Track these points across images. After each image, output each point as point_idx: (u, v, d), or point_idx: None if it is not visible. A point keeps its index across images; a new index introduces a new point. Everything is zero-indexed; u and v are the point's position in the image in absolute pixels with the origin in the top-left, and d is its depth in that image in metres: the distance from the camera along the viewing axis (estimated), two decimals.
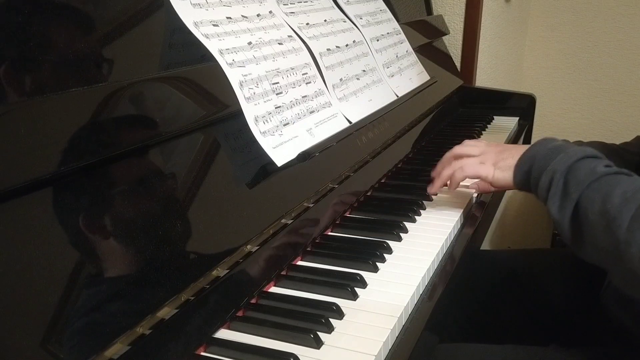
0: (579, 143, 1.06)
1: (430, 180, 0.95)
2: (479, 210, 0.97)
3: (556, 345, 0.85)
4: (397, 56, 1.22)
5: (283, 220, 0.75)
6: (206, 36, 0.72)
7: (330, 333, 0.61)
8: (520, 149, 0.82)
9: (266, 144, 0.74)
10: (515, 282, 1.02)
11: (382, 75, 1.13)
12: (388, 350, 0.61)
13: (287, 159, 0.76)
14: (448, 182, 0.91)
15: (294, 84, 0.84)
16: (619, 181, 0.68)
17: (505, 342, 0.88)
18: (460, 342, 1.01)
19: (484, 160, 0.86)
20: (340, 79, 0.98)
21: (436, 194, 0.95)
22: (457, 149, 0.92)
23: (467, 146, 0.92)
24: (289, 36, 0.88)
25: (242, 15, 0.81)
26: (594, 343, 0.87)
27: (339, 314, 0.64)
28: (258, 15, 0.84)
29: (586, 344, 0.86)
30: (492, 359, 0.84)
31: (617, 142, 1.10)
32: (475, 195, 0.99)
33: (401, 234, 0.83)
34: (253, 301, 0.67)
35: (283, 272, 0.73)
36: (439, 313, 0.71)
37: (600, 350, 0.83)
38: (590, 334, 0.92)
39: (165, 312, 0.56)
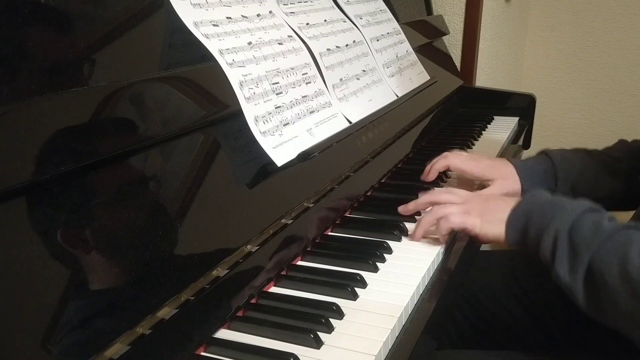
0: (563, 152, 1.01)
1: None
2: None
3: (557, 350, 0.84)
4: (397, 56, 1.22)
5: (283, 220, 0.75)
6: (206, 36, 0.72)
7: (330, 333, 0.61)
8: (507, 201, 0.78)
9: (266, 144, 0.74)
10: (515, 282, 1.02)
11: (382, 75, 1.13)
12: (388, 350, 0.61)
13: (287, 159, 0.76)
14: (422, 222, 0.82)
15: (294, 84, 0.84)
16: (631, 238, 0.63)
17: (506, 345, 0.87)
18: (460, 345, 1.00)
19: (467, 210, 0.79)
20: (340, 79, 0.98)
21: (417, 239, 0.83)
22: (436, 196, 0.84)
23: (445, 194, 0.84)
24: (289, 36, 0.88)
25: (242, 15, 0.81)
26: (595, 347, 0.87)
27: (339, 314, 0.64)
28: (258, 15, 0.84)
29: (587, 348, 0.86)
30: None
31: (591, 148, 1.07)
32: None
33: (401, 234, 0.83)
34: (253, 301, 0.67)
35: (283, 272, 0.73)
36: (439, 313, 0.71)
37: (603, 355, 0.83)
38: (591, 338, 0.91)
39: (165, 312, 0.56)
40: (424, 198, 0.86)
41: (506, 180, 0.97)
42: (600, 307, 0.65)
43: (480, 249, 1.01)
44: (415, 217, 0.88)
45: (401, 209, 0.87)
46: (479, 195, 0.85)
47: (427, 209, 0.85)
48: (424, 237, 0.82)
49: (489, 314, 1.01)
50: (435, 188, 0.92)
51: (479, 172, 0.99)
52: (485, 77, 1.78)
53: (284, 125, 0.79)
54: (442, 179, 1.05)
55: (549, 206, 0.72)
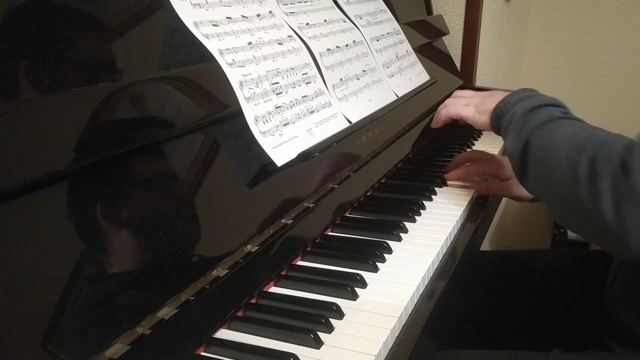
0: None
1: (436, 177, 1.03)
2: (479, 210, 0.97)
3: (558, 350, 0.84)
4: (397, 56, 1.22)
5: (283, 220, 0.75)
6: (206, 36, 0.72)
7: (330, 333, 0.61)
8: (501, 95, 0.91)
9: (266, 144, 0.74)
10: (515, 282, 1.02)
11: (382, 75, 1.13)
12: (388, 350, 0.61)
13: (287, 159, 0.76)
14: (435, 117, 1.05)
15: (294, 84, 0.84)
16: (566, 124, 0.76)
17: (506, 345, 0.88)
18: (461, 345, 1.01)
19: (468, 103, 0.96)
20: (340, 79, 0.98)
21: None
22: (450, 100, 1.02)
23: (457, 96, 1.02)
24: (289, 36, 0.88)
25: (242, 15, 0.81)
26: (596, 347, 0.87)
27: (339, 314, 0.64)
28: (258, 15, 0.84)
29: (589, 348, 0.86)
30: None
31: None
32: (475, 195, 0.99)
33: (401, 234, 0.83)
34: (253, 301, 0.67)
35: (283, 272, 0.73)
36: (439, 313, 0.71)
37: (604, 355, 0.83)
38: (592, 337, 0.91)
39: (165, 312, 0.56)
40: (441, 111, 1.03)
41: None
42: (525, 169, 0.78)
43: (480, 249, 1.01)
44: (414, 216, 0.88)
45: (432, 124, 1.08)
46: (484, 93, 0.99)
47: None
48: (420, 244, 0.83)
49: (490, 312, 1.01)
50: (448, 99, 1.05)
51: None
52: (485, 77, 1.78)
53: (284, 125, 0.79)
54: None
55: (522, 97, 0.86)
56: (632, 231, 0.62)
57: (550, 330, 0.98)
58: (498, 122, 0.88)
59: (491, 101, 0.92)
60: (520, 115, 0.82)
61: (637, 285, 0.81)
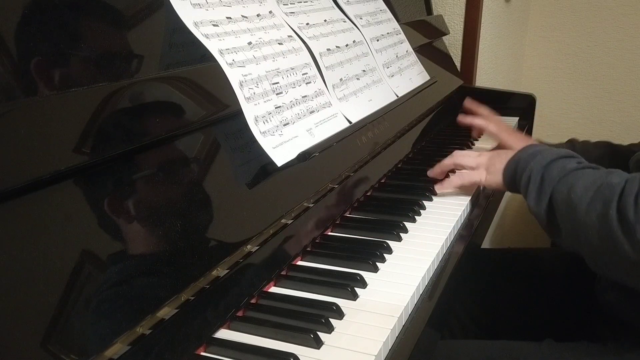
0: (586, 142, 1.09)
1: (430, 181, 1.01)
2: (479, 210, 0.97)
3: (552, 339, 0.86)
4: (397, 56, 1.22)
5: (283, 220, 0.75)
6: (206, 36, 0.72)
7: (330, 333, 0.61)
8: (508, 154, 0.91)
9: (266, 144, 0.74)
10: (515, 281, 1.02)
11: (382, 75, 1.13)
12: (388, 350, 0.61)
13: (287, 159, 0.76)
14: (445, 182, 0.99)
15: (294, 84, 0.84)
16: (583, 174, 0.77)
17: (506, 337, 0.89)
18: (460, 338, 1.01)
19: (477, 164, 0.96)
20: (340, 79, 0.98)
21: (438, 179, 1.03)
22: (457, 159, 1.00)
23: (463, 156, 1.00)
24: (289, 36, 0.88)
25: (242, 15, 0.81)
26: (591, 338, 0.88)
27: (339, 314, 0.64)
28: (258, 15, 0.84)
29: (583, 339, 0.87)
30: (490, 354, 0.85)
31: (617, 143, 1.10)
32: (475, 195, 0.99)
33: (401, 234, 0.83)
34: (253, 301, 0.67)
35: (283, 272, 0.73)
36: (439, 313, 0.71)
37: (597, 345, 0.84)
38: (587, 330, 0.92)
39: (165, 312, 0.56)
40: (447, 160, 1.01)
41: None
42: (554, 228, 0.79)
43: (481, 247, 1.01)
44: (414, 216, 0.89)
45: (429, 173, 1.03)
46: (491, 153, 0.99)
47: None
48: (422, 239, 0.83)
49: (490, 309, 1.01)
50: (456, 151, 1.03)
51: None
52: (485, 77, 1.78)
53: (284, 125, 0.79)
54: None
55: (534, 153, 0.86)
56: None
57: (549, 325, 0.99)
58: (512, 180, 0.88)
59: (500, 160, 0.92)
60: (537, 171, 0.82)
61: None
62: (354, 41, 1.07)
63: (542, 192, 0.80)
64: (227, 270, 0.64)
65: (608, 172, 0.76)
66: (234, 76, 0.73)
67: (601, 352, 0.83)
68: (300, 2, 0.98)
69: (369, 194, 0.99)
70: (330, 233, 0.85)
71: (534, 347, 0.85)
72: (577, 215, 0.73)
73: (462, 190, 0.99)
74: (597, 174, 0.76)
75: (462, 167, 0.98)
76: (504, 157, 0.92)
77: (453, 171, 1.02)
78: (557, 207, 0.77)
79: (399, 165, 1.11)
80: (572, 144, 1.12)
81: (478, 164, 0.96)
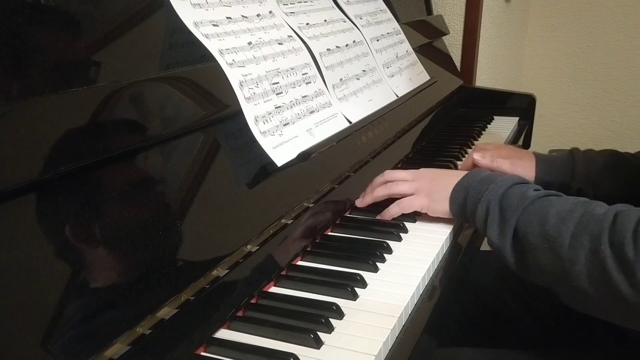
0: (589, 151, 1.04)
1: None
2: None
3: (556, 348, 0.85)
4: (397, 56, 1.22)
5: (283, 220, 0.75)
6: (206, 36, 0.72)
7: (330, 333, 0.61)
8: (451, 178, 0.84)
9: (266, 144, 0.74)
10: (515, 282, 1.02)
11: (382, 75, 1.13)
12: (388, 350, 0.61)
13: (287, 159, 0.76)
14: (385, 213, 0.88)
15: (294, 84, 0.84)
16: (551, 202, 0.70)
17: (507, 344, 0.88)
18: (460, 343, 1.01)
19: (416, 189, 0.87)
20: (340, 79, 0.98)
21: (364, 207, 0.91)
22: (389, 176, 0.90)
23: (397, 173, 0.91)
24: (289, 36, 0.88)
25: (242, 15, 0.81)
26: (595, 344, 0.87)
27: (339, 314, 0.64)
28: (258, 15, 0.84)
29: (587, 345, 0.87)
30: None
31: (617, 143, 1.09)
32: None
33: (401, 234, 0.83)
34: (253, 301, 0.67)
35: (283, 272, 0.73)
36: (439, 313, 0.71)
37: (602, 352, 0.83)
38: (591, 335, 0.92)
39: (165, 312, 0.56)
40: (377, 181, 0.91)
41: (521, 167, 1.02)
42: (526, 264, 0.71)
43: (481, 248, 1.01)
44: (414, 216, 0.89)
45: (358, 203, 0.91)
46: (428, 173, 0.90)
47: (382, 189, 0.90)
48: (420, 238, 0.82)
49: (490, 311, 1.01)
50: (387, 171, 0.93)
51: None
52: (485, 77, 1.78)
53: (284, 125, 0.79)
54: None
55: (483, 181, 0.79)
56: None
57: (549, 328, 0.98)
58: (461, 211, 0.81)
59: (442, 186, 0.84)
60: (495, 201, 0.75)
61: None
62: (354, 41, 1.07)
63: (504, 224, 0.72)
64: (227, 270, 0.64)
65: (583, 201, 0.70)
66: (234, 76, 0.73)
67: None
68: (300, 2, 0.98)
69: None
70: (330, 233, 0.85)
71: (539, 355, 0.84)
72: (559, 251, 0.66)
73: None
74: (568, 203, 0.70)
75: (397, 196, 0.88)
76: (446, 181, 0.84)
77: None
78: (527, 241, 0.69)
79: (399, 166, 1.11)
80: (571, 151, 1.04)
81: (416, 189, 0.87)
